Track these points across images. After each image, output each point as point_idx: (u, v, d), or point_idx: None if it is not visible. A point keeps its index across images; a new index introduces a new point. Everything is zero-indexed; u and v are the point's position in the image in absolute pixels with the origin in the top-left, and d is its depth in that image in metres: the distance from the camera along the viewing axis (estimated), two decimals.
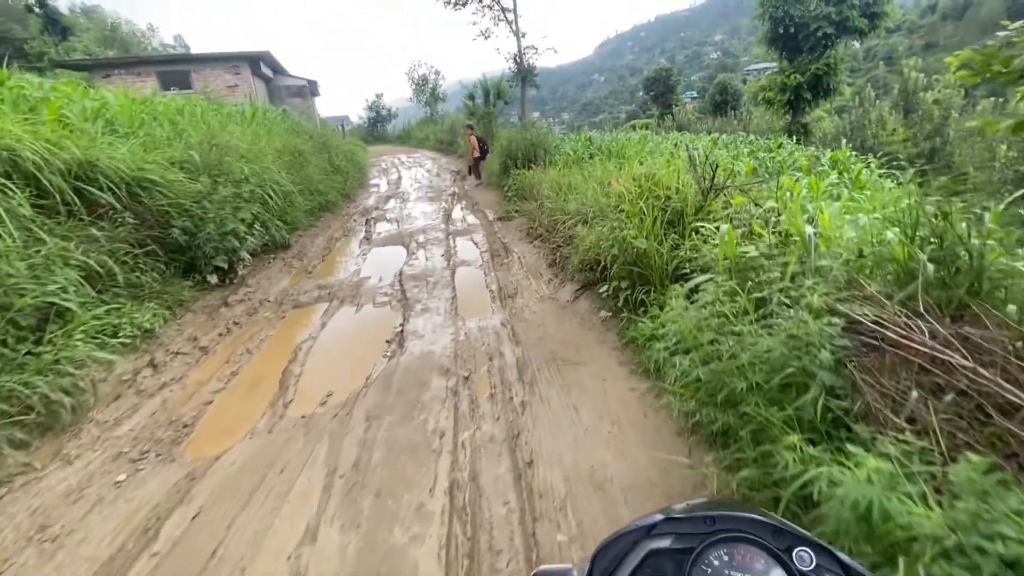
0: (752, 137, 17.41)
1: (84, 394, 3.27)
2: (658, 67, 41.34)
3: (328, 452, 2.75)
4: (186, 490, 2.57)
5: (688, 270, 3.09)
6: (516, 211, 7.68)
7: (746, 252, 2.51)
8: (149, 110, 7.52)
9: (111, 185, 4.46)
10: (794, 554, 0.47)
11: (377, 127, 38.61)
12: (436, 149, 22.82)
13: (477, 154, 11.81)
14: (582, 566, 0.53)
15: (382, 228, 8.18)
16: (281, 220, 6.98)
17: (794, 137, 18.20)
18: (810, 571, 0.46)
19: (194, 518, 2.32)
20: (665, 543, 0.50)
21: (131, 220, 4.39)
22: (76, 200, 4.22)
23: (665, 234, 3.49)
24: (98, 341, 3.75)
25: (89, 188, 4.29)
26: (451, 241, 7.13)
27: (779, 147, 13.26)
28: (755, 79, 24.85)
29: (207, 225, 4.86)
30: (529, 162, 8.62)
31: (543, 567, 0.58)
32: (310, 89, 21.10)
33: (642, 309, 3.30)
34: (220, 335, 4.45)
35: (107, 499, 2.53)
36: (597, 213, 4.58)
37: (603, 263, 3.75)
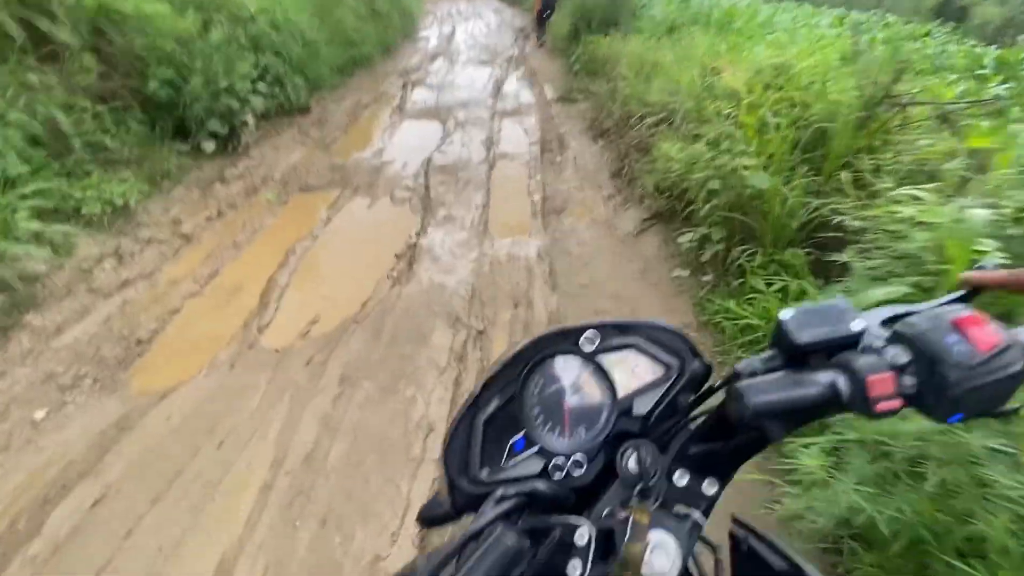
0: (891, 18, 13.88)
1: (20, 289, 2.70)
2: None
3: (284, 423, 2.11)
4: (108, 447, 2.03)
5: (828, 235, 2.01)
6: (582, 91, 6.20)
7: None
8: None
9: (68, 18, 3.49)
10: (580, 341, 0.52)
11: None
12: None
13: (539, 7, 10.07)
14: (441, 481, 0.54)
15: (420, 96, 6.93)
16: (301, 76, 5.88)
17: (946, 22, 14.45)
18: (597, 346, 0.52)
19: (94, 505, 1.78)
20: (494, 404, 0.52)
21: (93, 65, 3.48)
22: (25, 36, 3.31)
23: (794, 168, 2.32)
24: (55, 219, 3.12)
25: (37, 19, 3.34)
26: (497, 123, 5.90)
27: (926, 36, 10.36)
28: None
29: (194, 77, 3.89)
30: (607, 26, 6.83)
31: (422, 506, 0.59)
32: None
33: (739, 280, 2.29)
34: (208, 219, 3.75)
35: (12, 446, 2.03)
36: (694, 116, 3.31)
37: (691, 197, 2.64)
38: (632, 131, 4.44)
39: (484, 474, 0.52)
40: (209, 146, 4.33)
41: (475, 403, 0.53)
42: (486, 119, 5.99)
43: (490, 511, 0.44)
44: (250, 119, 4.65)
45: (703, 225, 2.50)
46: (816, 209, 2.11)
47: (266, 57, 5.05)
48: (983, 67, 8.46)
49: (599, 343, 0.53)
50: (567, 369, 0.54)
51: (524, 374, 0.53)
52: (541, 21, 10.51)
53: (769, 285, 2.11)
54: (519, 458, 0.52)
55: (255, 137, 4.93)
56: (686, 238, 2.47)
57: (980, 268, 0.47)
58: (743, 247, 2.31)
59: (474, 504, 0.50)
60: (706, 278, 2.41)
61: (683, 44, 5.66)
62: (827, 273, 2.10)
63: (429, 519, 0.58)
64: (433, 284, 3.05)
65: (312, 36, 6.20)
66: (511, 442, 0.52)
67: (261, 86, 5.10)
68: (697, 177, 2.40)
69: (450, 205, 4.05)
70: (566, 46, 7.96)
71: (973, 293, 0.48)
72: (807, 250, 2.13)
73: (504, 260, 3.30)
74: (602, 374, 0.53)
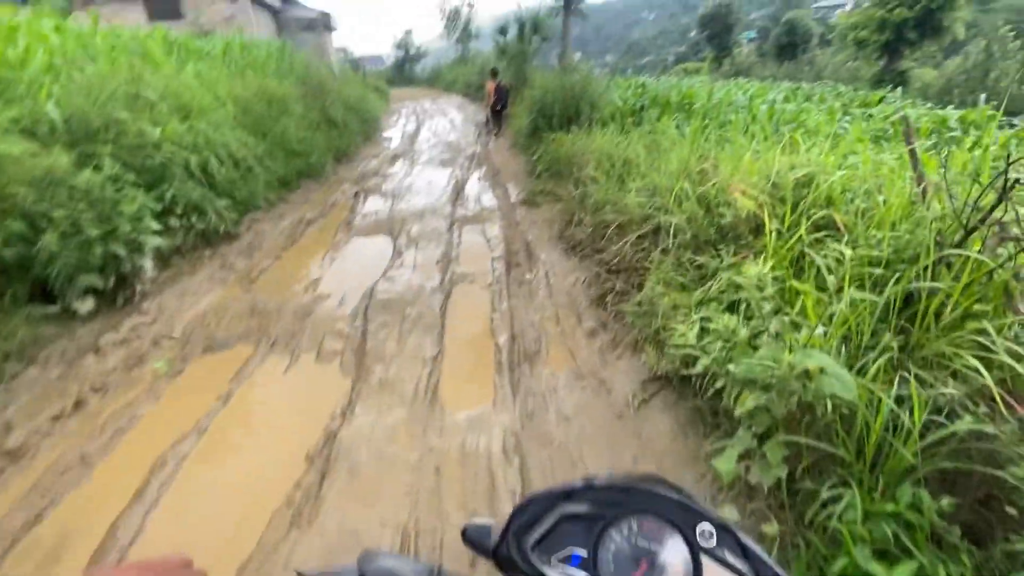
0: (839, 87, 14.29)
1: None
2: (717, 2, 36.41)
3: None
4: None
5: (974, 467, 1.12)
6: (547, 194, 5.59)
7: None
8: (87, 45, 5.69)
9: None
10: (697, 530, 0.49)
11: (405, 67, 35.76)
12: (465, 94, 20.28)
13: (493, 100, 10.36)
14: (502, 521, 0.55)
15: (373, 207, 6.26)
16: (228, 199, 5.16)
17: (887, 88, 14.97)
18: (712, 547, 0.48)
19: None
20: (581, 508, 0.52)
21: None
22: None
23: (879, 349, 1.46)
24: None
25: None
26: (456, 234, 5.17)
27: (879, 102, 10.41)
28: (844, 14, 20.85)
29: (50, 231, 3.06)
30: (568, 122, 6.41)
31: (470, 521, 0.59)
32: (323, 22, 18.69)
33: (824, 511, 1.35)
34: (56, 417, 2.75)
35: None
36: (690, 241, 2.54)
37: (722, 388, 1.74)
38: (611, 246, 3.69)
39: (533, 556, 0.52)
40: (85, 306, 3.42)
41: (568, 495, 0.53)
42: (444, 230, 5.26)
43: None
44: (147, 263, 3.80)
45: (744, 428, 1.61)
46: (938, 432, 1.25)
47: (176, 186, 4.31)
48: (950, 128, 8.20)
49: (714, 544, 0.49)
50: (666, 539, 0.51)
51: (624, 513, 0.52)
52: (496, 114, 10.66)
53: (868, 536, 1.19)
54: (568, 570, 0.51)
55: (157, 282, 4.05)
56: (725, 459, 1.57)
57: None
58: (822, 477, 1.42)
59: (506, 566, 0.51)
60: (769, 529, 1.48)
61: (653, 138, 5.15)
62: (990, 534, 1.20)
63: (468, 539, 0.58)
64: (346, 523, 2.05)
65: (244, 153, 5.57)
66: (572, 552, 0.52)
67: (172, 220, 4.32)
68: (731, 370, 1.55)
69: (391, 361, 3.13)
70: (528, 143, 7.55)
71: None
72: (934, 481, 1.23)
73: (457, 459, 2.33)
74: (696, 574, 0.48)
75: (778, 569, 0.48)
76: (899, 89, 14.19)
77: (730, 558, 0.48)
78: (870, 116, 8.24)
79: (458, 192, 6.60)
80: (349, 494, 2.19)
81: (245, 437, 2.63)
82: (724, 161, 3.18)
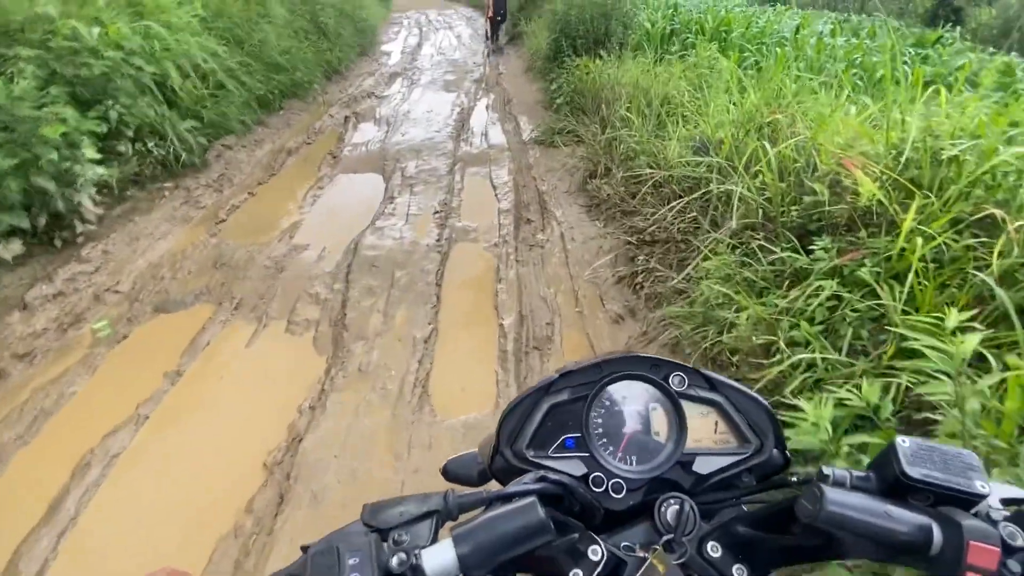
0: (890, 21, 12.78)
1: None
2: None
3: None
4: None
5: None
6: (567, 133, 4.79)
7: None
8: None
9: None
10: (670, 379, 0.53)
11: None
12: (475, 5, 18.30)
13: (491, 13, 9.86)
14: (487, 440, 0.56)
15: (365, 136, 5.48)
16: (195, 120, 4.41)
17: (942, 24, 13.42)
18: (684, 389, 0.52)
19: None
20: (563, 396, 0.53)
21: None
22: None
23: None
24: None
25: None
26: (458, 177, 4.48)
27: (936, 42, 9.19)
28: None
29: None
30: (596, 44, 5.46)
31: (451, 458, 0.59)
32: None
33: None
34: None
35: None
36: (771, 220, 1.92)
37: None
38: (645, 208, 3.05)
39: (530, 453, 0.52)
40: (9, 250, 2.84)
41: (548, 388, 0.54)
42: (444, 171, 4.56)
43: (530, 483, 0.44)
44: (86, 200, 3.17)
45: None
46: None
47: (124, 104, 3.57)
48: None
49: (686, 386, 0.53)
50: (645, 397, 0.54)
51: (604, 382, 0.53)
52: (495, 25, 10.13)
53: None
54: (566, 454, 0.52)
55: (106, 221, 3.44)
56: None
57: None
58: None
59: (506, 476, 0.51)
60: None
61: (698, 71, 4.31)
62: None
63: (453, 475, 0.58)
64: None
65: (213, 65, 4.73)
66: (564, 437, 0.53)
67: (122, 145, 3.63)
68: None
69: (374, 340, 2.61)
70: (546, 67, 6.56)
71: None
72: None
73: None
74: (679, 417, 0.52)
75: (740, 386, 0.53)
76: (957, 28, 12.71)
77: (702, 393, 0.53)
78: (926, 57, 7.22)
79: (462, 123, 5.78)
80: (309, 529, 1.75)
81: (192, 433, 2.16)
82: (802, 111, 2.48)
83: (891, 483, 0.40)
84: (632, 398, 0.54)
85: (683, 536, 0.46)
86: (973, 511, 0.38)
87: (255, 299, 2.94)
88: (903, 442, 0.41)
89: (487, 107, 6.48)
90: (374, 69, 8.75)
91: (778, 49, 7.00)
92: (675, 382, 0.53)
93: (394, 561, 0.36)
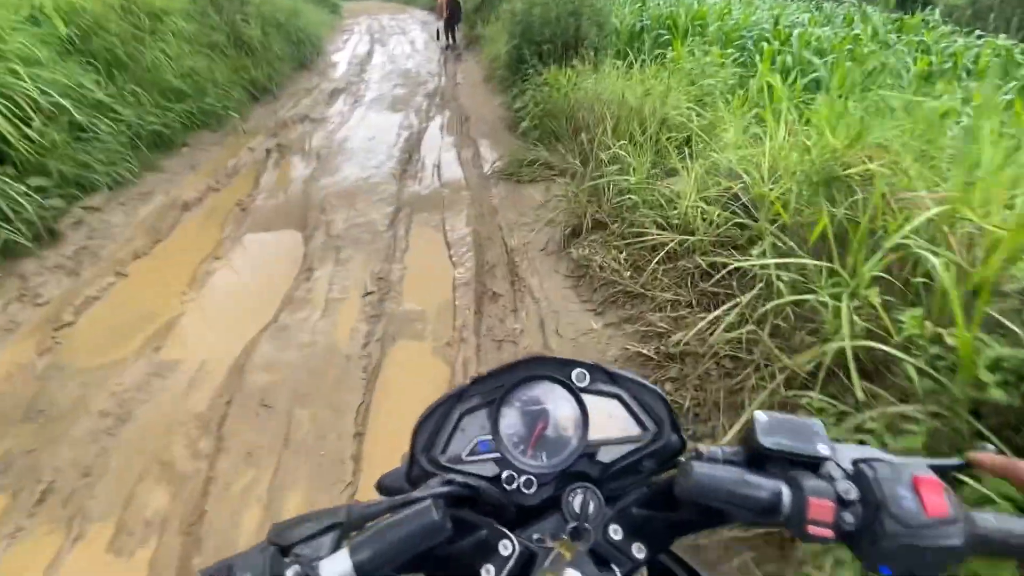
0: (863, 7, 12.17)
1: None
2: None
3: None
4: None
5: None
6: (539, 165, 3.78)
7: None
8: None
9: None
10: (573, 375, 0.55)
11: None
12: (430, 9, 17.21)
13: (445, 14, 9.58)
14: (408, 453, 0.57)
15: (286, 176, 4.41)
16: (44, 176, 3.30)
17: (911, 8, 12.93)
18: (587, 385, 0.55)
19: None
20: (475, 401, 0.55)
21: None
22: None
23: None
24: None
25: None
26: (400, 232, 3.45)
27: (919, 27, 8.50)
28: None
29: None
30: (566, 51, 4.46)
31: (384, 473, 0.63)
32: None
33: None
34: None
35: None
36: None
37: None
38: (661, 295, 2.08)
39: (443, 459, 0.54)
40: None
41: (460, 395, 0.56)
42: (383, 226, 3.51)
43: (432, 488, 0.45)
44: None
45: None
46: None
47: None
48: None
49: (588, 382, 0.55)
50: (551, 396, 0.56)
51: (512, 385, 0.56)
52: (449, 27, 9.73)
53: None
54: (479, 457, 0.54)
55: None
56: None
57: (984, 449, 0.45)
58: None
59: (423, 483, 0.50)
60: None
61: (691, 78, 3.38)
62: None
63: (387, 489, 0.63)
64: None
65: (71, 102, 3.61)
66: (477, 441, 0.55)
67: None
68: None
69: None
70: (508, 77, 5.55)
71: (961, 467, 0.46)
72: None
73: None
74: (582, 412, 0.54)
75: (638, 378, 0.56)
76: (936, 12, 12.19)
77: (603, 387, 0.55)
78: (927, 48, 6.46)
79: (410, 153, 4.74)
80: None
81: None
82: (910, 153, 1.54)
83: (752, 454, 0.45)
84: (540, 398, 0.56)
85: (587, 523, 0.49)
86: (819, 472, 0.42)
87: (74, 481, 1.88)
88: (761, 416, 0.45)
89: (441, 129, 5.45)
90: (314, 85, 7.63)
91: (764, 44, 6.18)
92: (578, 378, 0.55)
93: (289, 574, 0.36)
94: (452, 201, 3.80)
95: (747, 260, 1.61)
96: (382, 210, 3.68)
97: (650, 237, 2.22)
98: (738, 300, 1.60)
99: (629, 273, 2.34)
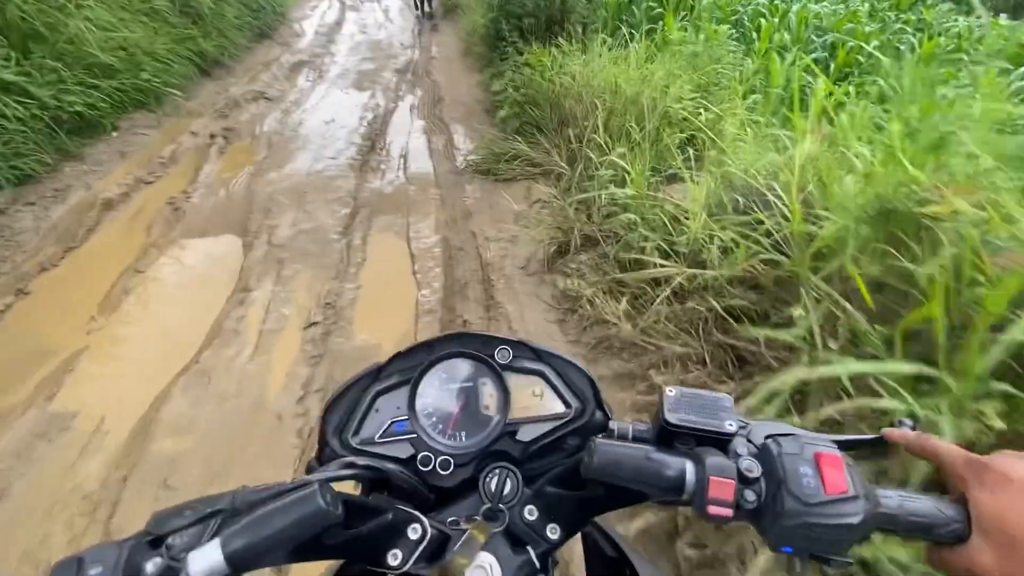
0: None
1: None
2: None
3: None
4: None
5: None
6: (519, 160, 3.28)
7: None
8: None
9: None
10: (496, 353, 0.54)
11: None
12: None
13: None
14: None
15: (229, 167, 3.85)
16: None
17: None
18: (509, 362, 0.54)
19: None
20: (392, 380, 0.54)
21: None
22: None
23: None
24: None
25: None
26: (355, 239, 2.96)
27: (914, 4, 8.02)
28: None
29: None
30: (551, 25, 3.90)
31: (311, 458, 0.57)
32: None
33: None
34: None
35: None
36: None
37: None
38: (668, 347, 1.67)
39: (355, 441, 0.52)
40: None
41: (376, 374, 0.55)
42: (336, 233, 3.02)
43: (326, 471, 0.43)
44: None
45: None
46: None
47: None
48: None
49: (511, 359, 0.54)
50: (471, 373, 0.54)
51: (430, 363, 0.54)
52: None
53: None
54: (394, 438, 0.52)
55: None
56: None
57: (901, 425, 0.44)
58: None
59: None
60: None
61: (695, 61, 2.91)
62: None
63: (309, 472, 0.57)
64: None
65: None
66: (393, 421, 0.53)
67: None
68: None
69: None
70: (486, 55, 4.97)
71: (883, 442, 0.44)
72: None
73: None
74: (503, 390, 0.53)
75: (562, 355, 0.55)
76: None
77: (527, 364, 0.54)
78: (929, 27, 6.02)
79: (374, 140, 4.20)
80: None
81: None
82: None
83: (660, 430, 0.43)
84: (460, 376, 0.54)
85: (503, 504, 0.48)
86: (727, 449, 0.41)
87: None
88: (669, 392, 0.44)
89: (411, 110, 4.89)
90: (274, 57, 6.92)
91: (762, 20, 5.72)
92: (501, 356, 0.54)
93: (149, 567, 0.34)
94: (419, 201, 3.31)
95: (782, 329, 1.21)
96: (337, 212, 3.18)
97: (652, 268, 1.80)
98: (776, 386, 1.19)
99: (626, 307, 1.92)
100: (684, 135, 2.53)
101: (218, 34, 6.23)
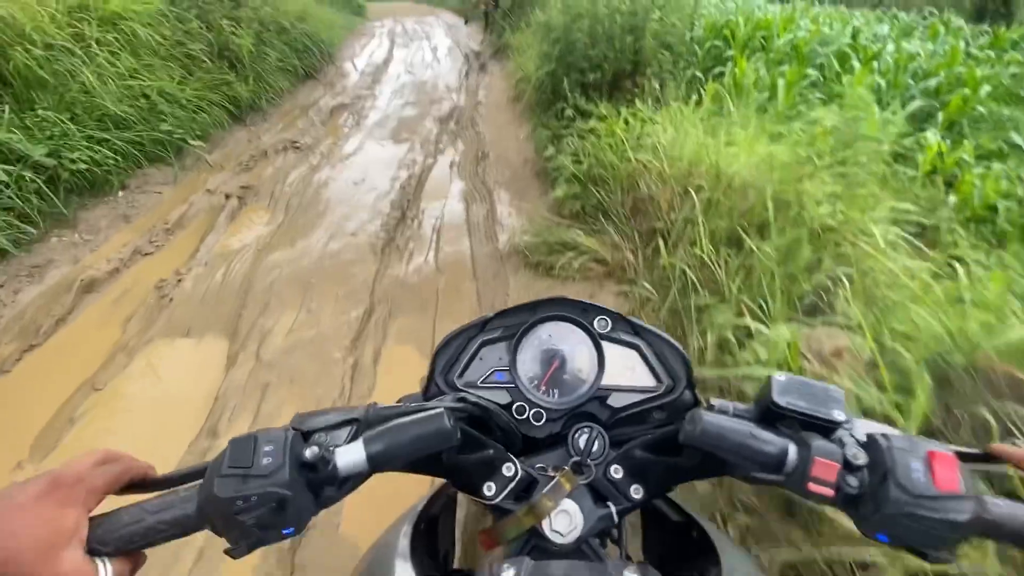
0: (944, 17, 10.59)
1: None
2: None
3: None
4: None
5: None
6: (581, 252, 2.52)
7: None
8: None
9: None
10: (595, 321, 0.58)
11: None
12: (460, 13, 16.15)
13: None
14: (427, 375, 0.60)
15: (236, 238, 3.32)
16: None
17: (989, 18, 11.33)
18: (607, 332, 0.58)
19: None
20: (496, 334, 0.59)
21: None
22: None
23: None
24: None
25: None
26: (365, 358, 2.29)
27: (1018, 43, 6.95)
28: None
29: None
30: (617, 81, 3.18)
31: (399, 397, 0.61)
32: None
33: None
34: None
35: None
36: None
37: None
38: None
39: (460, 382, 0.58)
40: None
41: (483, 326, 0.60)
42: (343, 342, 2.36)
43: (447, 401, 0.48)
44: None
45: None
46: None
47: None
48: None
49: (609, 329, 0.58)
50: (571, 337, 0.58)
51: (534, 322, 0.58)
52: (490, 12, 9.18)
53: None
54: (494, 385, 0.58)
55: None
56: None
57: (1010, 443, 0.44)
58: None
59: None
60: None
61: (809, 132, 2.14)
62: None
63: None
64: None
65: None
66: (494, 370, 0.58)
67: None
68: None
69: None
70: (539, 103, 4.33)
71: (983, 458, 0.45)
72: None
73: None
74: (599, 357, 0.57)
75: (662, 334, 0.58)
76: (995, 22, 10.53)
77: (624, 337, 0.58)
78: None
79: (404, 208, 3.60)
80: None
81: None
82: None
83: (764, 411, 0.44)
84: (559, 338, 0.58)
85: (590, 460, 0.52)
86: (832, 437, 0.42)
87: None
88: (779, 377, 0.45)
89: (451, 168, 4.30)
90: (314, 100, 6.60)
91: (856, 64, 4.98)
92: (599, 325, 0.58)
93: (307, 453, 0.39)
94: (450, 299, 2.64)
95: None
96: (347, 314, 2.53)
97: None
98: None
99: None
100: (822, 247, 1.76)
101: (256, 78, 5.92)
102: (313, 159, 4.58)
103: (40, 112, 3.42)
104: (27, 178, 3.11)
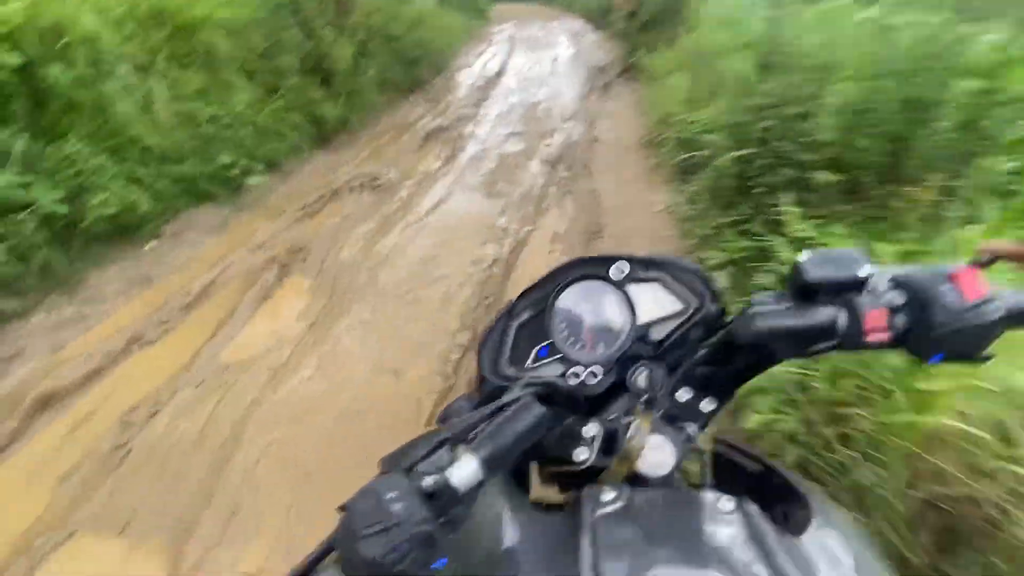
0: None
1: None
2: None
3: None
4: None
5: None
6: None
7: None
8: None
9: None
10: (611, 271, 0.60)
11: None
12: (588, 17, 14.91)
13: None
14: (471, 380, 0.61)
15: (261, 330, 2.48)
16: None
17: None
18: (627, 275, 0.60)
19: None
20: (526, 315, 0.61)
21: None
22: None
23: None
24: None
25: None
26: None
27: None
28: None
29: None
30: (856, 189, 1.77)
31: (444, 407, 0.65)
32: None
33: None
34: None
35: None
36: None
37: None
38: None
39: (511, 371, 0.59)
40: None
41: (510, 311, 0.62)
42: None
43: (518, 391, 0.47)
44: None
45: None
46: None
47: None
48: None
49: (628, 273, 0.60)
50: (595, 292, 0.61)
51: (557, 291, 0.60)
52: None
53: None
54: (542, 362, 0.59)
55: None
56: None
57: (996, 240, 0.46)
58: None
59: (497, 397, 0.53)
60: None
61: None
62: None
63: (453, 413, 0.64)
64: None
65: None
66: (536, 348, 0.60)
67: None
68: None
69: None
70: (717, 191, 3.00)
71: (990, 262, 0.49)
72: None
73: None
74: (626, 301, 0.59)
75: (672, 258, 0.60)
76: None
77: (643, 274, 0.59)
78: None
79: (475, 327, 2.53)
80: None
81: None
82: None
83: (800, 291, 0.47)
84: (586, 296, 0.61)
85: (656, 393, 0.55)
86: (864, 292, 0.46)
87: None
88: (802, 256, 0.48)
89: (551, 244, 3.19)
90: (412, 121, 5.82)
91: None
92: (617, 272, 0.59)
93: (427, 483, 0.38)
94: None
95: None
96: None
97: None
98: None
99: None
100: None
101: (350, 94, 5.23)
102: (387, 207, 3.71)
103: (71, 143, 2.82)
104: (27, 231, 2.49)
